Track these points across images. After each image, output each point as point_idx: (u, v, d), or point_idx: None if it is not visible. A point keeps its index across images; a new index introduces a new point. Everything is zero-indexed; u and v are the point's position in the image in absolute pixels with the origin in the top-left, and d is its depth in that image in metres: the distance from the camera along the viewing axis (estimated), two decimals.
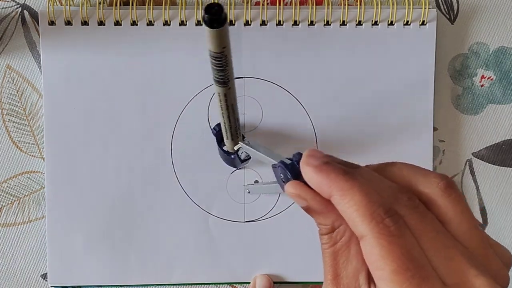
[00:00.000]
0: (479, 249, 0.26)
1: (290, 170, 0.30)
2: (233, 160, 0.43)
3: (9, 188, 0.46)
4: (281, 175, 0.31)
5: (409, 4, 0.44)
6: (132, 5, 0.44)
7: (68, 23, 0.44)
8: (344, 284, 0.27)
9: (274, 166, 0.33)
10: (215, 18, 0.29)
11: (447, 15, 0.46)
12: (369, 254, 0.25)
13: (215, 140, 0.44)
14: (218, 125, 0.42)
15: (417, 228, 0.25)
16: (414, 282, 0.24)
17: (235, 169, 0.46)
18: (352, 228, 0.25)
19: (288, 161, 0.30)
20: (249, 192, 0.46)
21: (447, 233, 0.26)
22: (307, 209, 0.28)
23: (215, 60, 0.32)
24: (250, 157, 0.43)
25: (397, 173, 0.27)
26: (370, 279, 0.26)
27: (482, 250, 0.26)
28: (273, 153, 0.38)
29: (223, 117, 0.38)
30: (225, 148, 0.43)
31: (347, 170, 0.27)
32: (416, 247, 0.25)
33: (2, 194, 0.46)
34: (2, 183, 0.46)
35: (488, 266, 0.25)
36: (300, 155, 0.29)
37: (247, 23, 0.45)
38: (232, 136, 0.40)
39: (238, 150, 0.42)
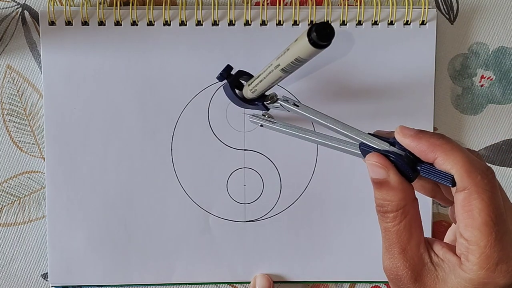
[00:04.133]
0: None
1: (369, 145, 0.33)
2: (245, 103, 0.41)
3: (9, 188, 0.46)
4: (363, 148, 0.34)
5: (409, 4, 0.45)
6: (132, 5, 0.44)
7: (69, 23, 0.44)
8: (410, 255, 0.31)
9: (364, 146, 0.35)
10: (325, 39, 0.30)
11: (447, 15, 0.47)
12: (466, 204, 0.29)
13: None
14: (226, 68, 0.41)
15: (501, 190, 0.30)
16: (498, 235, 0.28)
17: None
18: (458, 184, 0.29)
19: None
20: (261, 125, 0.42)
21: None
22: (382, 183, 0.31)
23: (297, 62, 0.33)
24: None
25: None
26: (428, 247, 0.31)
27: None
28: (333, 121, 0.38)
29: (272, 73, 0.36)
30: (242, 93, 0.41)
31: (441, 135, 0.31)
32: (503, 206, 0.29)
33: (3, 194, 0.46)
34: (3, 183, 0.46)
35: None
36: (392, 139, 0.33)
37: (247, 23, 0.45)
38: (260, 90, 0.39)
39: (266, 98, 0.40)
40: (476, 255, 0.29)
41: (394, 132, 0.32)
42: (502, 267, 0.28)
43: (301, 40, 0.31)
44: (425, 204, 0.46)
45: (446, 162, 0.30)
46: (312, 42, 0.30)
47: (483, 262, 0.28)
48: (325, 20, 0.45)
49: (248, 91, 0.40)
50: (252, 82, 0.39)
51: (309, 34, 0.30)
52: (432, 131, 0.46)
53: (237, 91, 0.42)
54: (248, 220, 0.46)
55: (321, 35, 0.29)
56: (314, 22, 0.45)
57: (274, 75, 0.36)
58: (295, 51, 0.32)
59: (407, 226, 0.31)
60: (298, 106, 0.39)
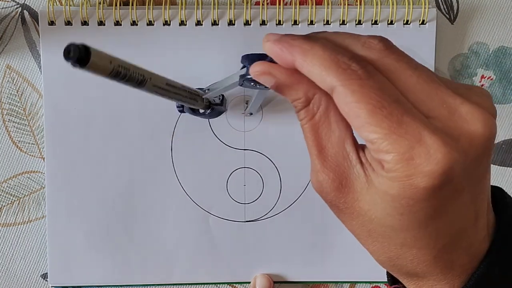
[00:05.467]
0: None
1: (252, 58, 0.30)
2: (216, 111, 0.43)
3: (9, 188, 0.46)
4: (247, 65, 0.31)
5: (409, 4, 0.44)
6: (132, 5, 0.44)
7: (68, 23, 0.44)
8: (331, 155, 0.26)
9: (242, 63, 0.34)
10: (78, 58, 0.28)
11: (447, 15, 0.46)
12: (343, 105, 0.23)
13: (191, 115, 0.44)
14: (178, 104, 0.43)
15: (392, 68, 0.24)
16: (393, 119, 0.22)
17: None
18: (322, 85, 0.24)
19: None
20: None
21: (427, 69, 0.25)
22: (277, 87, 0.27)
23: (116, 80, 0.31)
24: (223, 96, 0.43)
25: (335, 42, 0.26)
26: (356, 145, 0.26)
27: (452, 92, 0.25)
28: (230, 77, 0.38)
29: (176, 96, 0.36)
30: (201, 110, 0.43)
31: (307, 35, 0.26)
32: (389, 86, 0.24)
33: (2, 194, 0.46)
34: (2, 183, 0.46)
35: (470, 96, 0.25)
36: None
37: (247, 23, 0.45)
38: (195, 99, 0.39)
39: (209, 102, 0.41)
40: (381, 149, 0.23)
41: None
42: (420, 156, 0.22)
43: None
44: None
45: (304, 64, 0.24)
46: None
47: (394, 155, 0.23)
48: (325, 20, 0.45)
49: (194, 106, 0.40)
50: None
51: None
52: None
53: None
54: (248, 220, 0.46)
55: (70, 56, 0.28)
56: (314, 22, 0.45)
57: (155, 93, 0.36)
58: None
59: (323, 120, 0.26)
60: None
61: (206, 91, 0.41)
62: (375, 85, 0.23)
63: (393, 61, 0.24)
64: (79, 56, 0.27)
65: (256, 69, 0.26)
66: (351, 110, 0.23)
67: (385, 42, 0.25)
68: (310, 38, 0.25)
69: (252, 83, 0.36)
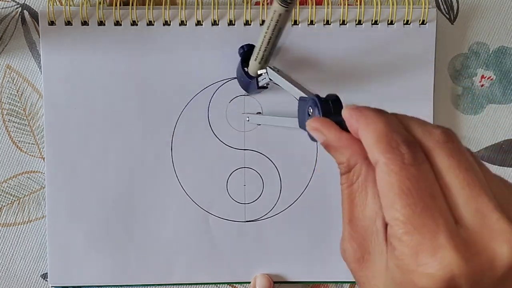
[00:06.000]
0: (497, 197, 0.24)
1: (322, 106, 0.30)
2: (250, 84, 0.43)
3: (9, 188, 0.46)
4: (310, 108, 0.32)
5: (409, 4, 0.44)
6: (132, 5, 0.44)
7: (68, 23, 0.44)
8: (360, 227, 0.26)
9: (302, 99, 0.33)
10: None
11: (447, 15, 0.46)
12: (379, 180, 0.24)
13: (240, 60, 0.43)
14: (248, 45, 0.43)
15: (444, 163, 0.24)
16: (416, 210, 0.22)
17: (248, 94, 0.45)
18: (370, 156, 0.24)
19: (322, 98, 0.31)
20: (248, 120, 0.45)
21: (478, 171, 0.24)
22: (326, 145, 0.28)
23: (278, 22, 0.35)
24: (267, 86, 0.42)
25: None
26: (387, 225, 0.25)
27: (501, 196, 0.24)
28: (299, 86, 0.37)
29: (264, 37, 0.38)
30: (248, 69, 0.42)
31: (379, 109, 0.26)
32: (431, 178, 0.23)
33: (2, 194, 0.46)
34: (2, 183, 0.46)
35: (509, 211, 0.23)
36: (334, 95, 0.30)
37: (247, 23, 0.45)
38: (262, 59, 0.40)
39: (260, 75, 0.41)
40: (396, 234, 0.23)
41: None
42: (427, 256, 0.22)
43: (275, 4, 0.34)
44: None
45: (363, 133, 0.25)
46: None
47: (404, 244, 0.22)
48: (325, 20, 0.45)
49: (253, 62, 0.40)
50: (254, 51, 0.40)
51: None
52: None
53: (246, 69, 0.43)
54: (248, 220, 0.46)
55: None
56: (314, 22, 0.45)
57: (273, 14, 0.36)
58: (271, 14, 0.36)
59: (360, 190, 0.26)
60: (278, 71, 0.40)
61: (276, 69, 0.40)
62: (415, 173, 0.23)
63: (445, 156, 0.24)
64: None
65: (313, 124, 0.28)
66: (383, 187, 0.23)
67: (446, 134, 0.25)
68: (380, 112, 0.26)
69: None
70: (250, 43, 0.43)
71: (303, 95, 0.35)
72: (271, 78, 0.40)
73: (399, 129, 0.25)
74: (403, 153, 0.24)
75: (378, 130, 0.25)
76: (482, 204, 0.23)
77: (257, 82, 0.42)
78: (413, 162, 0.23)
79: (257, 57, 0.40)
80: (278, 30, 0.37)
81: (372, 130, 0.25)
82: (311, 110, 0.32)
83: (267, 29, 0.37)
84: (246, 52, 0.43)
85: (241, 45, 0.43)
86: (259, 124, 0.45)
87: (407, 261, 0.22)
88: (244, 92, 0.45)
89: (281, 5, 0.35)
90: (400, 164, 0.23)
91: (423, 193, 0.23)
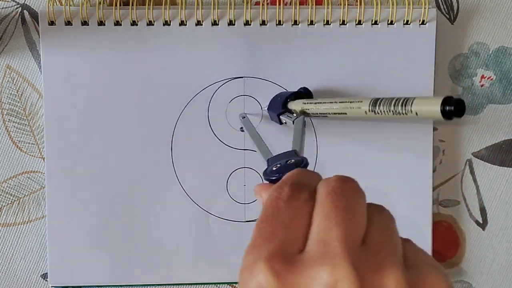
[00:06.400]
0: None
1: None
2: (276, 111, 0.44)
3: (9, 188, 0.46)
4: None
5: (409, 4, 0.44)
6: (132, 5, 0.44)
7: (68, 23, 0.44)
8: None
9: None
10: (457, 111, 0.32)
11: (447, 15, 0.46)
12: None
13: (292, 93, 0.44)
14: (306, 89, 0.45)
15: (320, 199, 0.26)
16: (260, 235, 0.26)
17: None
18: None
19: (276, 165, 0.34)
20: (241, 129, 0.46)
21: (352, 211, 0.26)
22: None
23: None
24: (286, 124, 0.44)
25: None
26: None
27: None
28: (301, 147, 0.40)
29: (331, 110, 0.40)
30: (290, 105, 0.43)
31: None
32: (296, 215, 0.26)
33: (2, 194, 0.46)
34: (2, 183, 0.46)
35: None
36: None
37: (247, 23, 0.45)
38: (309, 113, 0.42)
39: (293, 116, 0.43)
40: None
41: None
42: (245, 274, 0.26)
43: (430, 106, 0.33)
44: (425, 204, 0.46)
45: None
46: (445, 113, 0.32)
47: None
48: (325, 20, 0.45)
49: (301, 104, 0.42)
50: (312, 102, 0.42)
51: (444, 105, 0.32)
52: (432, 131, 0.46)
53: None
54: (248, 220, 0.46)
55: (456, 109, 0.31)
56: (314, 22, 0.45)
57: (333, 112, 0.39)
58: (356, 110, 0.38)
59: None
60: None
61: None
62: (282, 206, 0.26)
63: (324, 194, 0.26)
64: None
65: (255, 189, 0.32)
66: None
67: (338, 179, 0.27)
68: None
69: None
70: (308, 88, 0.44)
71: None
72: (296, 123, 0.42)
73: (301, 178, 0.28)
74: (283, 191, 0.27)
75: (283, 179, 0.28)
76: (331, 236, 0.24)
77: (281, 118, 0.44)
78: (286, 199, 0.26)
79: (308, 109, 0.41)
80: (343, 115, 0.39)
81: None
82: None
83: (340, 113, 0.39)
84: (300, 94, 0.44)
85: (302, 87, 0.44)
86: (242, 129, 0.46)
87: (240, 276, 0.26)
88: (244, 92, 0.45)
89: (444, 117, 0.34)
90: (274, 198, 0.26)
91: (277, 221, 0.26)
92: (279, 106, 0.43)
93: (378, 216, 0.27)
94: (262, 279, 0.24)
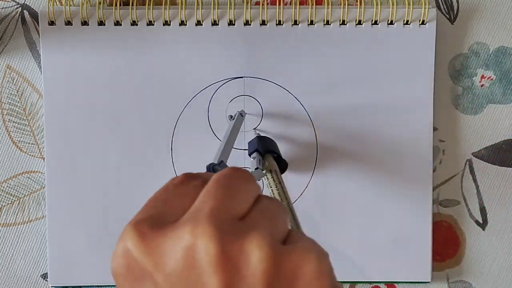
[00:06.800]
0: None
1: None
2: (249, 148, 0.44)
3: (9, 188, 0.46)
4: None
5: (409, 4, 0.44)
6: (132, 5, 0.44)
7: (68, 23, 0.44)
8: None
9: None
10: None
11: (447, 15, 0.46)
12: None
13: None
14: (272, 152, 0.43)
15: (210, 185, 0.27)
16: (146, 210, 0.28)
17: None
18: None
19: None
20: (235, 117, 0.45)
21: (229, 187, 0.27)
22: None
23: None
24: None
25: None
26: None
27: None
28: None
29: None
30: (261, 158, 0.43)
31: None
32: (181, 195, 0.27)
33: (2, 194, 0.46)
34: (2, 183, 0.46)
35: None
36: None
37: (247, 23, 0.45)
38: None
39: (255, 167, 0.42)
40: None
41: None
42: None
43: None
44: (425, 204, 0.46)
45: None
46: None
47: None
48: (325, 20, 0.45)
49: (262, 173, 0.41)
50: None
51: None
52: (432, 131, 0.46)
53: None
54: None
55: None
56: (314, 22, 0.45)
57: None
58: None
59: None
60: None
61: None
62: (170, 187, 0.29)
63: (214, 177, 0.27)
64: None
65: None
66: None
67: (228, 169, 0.28)
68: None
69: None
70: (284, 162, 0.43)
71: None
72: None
73: (199, 173, 0.30)
74: (176, 178, 0.29)
75: None
76: (203, 206, 0.25)
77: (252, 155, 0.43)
78: (176, 183, 0.28)
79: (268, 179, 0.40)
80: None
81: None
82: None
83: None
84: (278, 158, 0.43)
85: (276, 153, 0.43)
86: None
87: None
88: (244, 92, 0.45)
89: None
90: (166, 184, 0.29)
91: (159, 199, 0.28)
92: (259, 149, 0.42)
93: (265, 201, 0.27)
94: (128, 242, 0.25)
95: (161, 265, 0.24)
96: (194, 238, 0.23)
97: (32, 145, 0.46)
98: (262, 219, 0.25)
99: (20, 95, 0.46)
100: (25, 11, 0.46)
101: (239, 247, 0.23)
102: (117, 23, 0.44)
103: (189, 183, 0.28)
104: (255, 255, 0.23)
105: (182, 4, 0.45)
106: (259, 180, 0.39)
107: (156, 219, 0.26)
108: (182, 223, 0.24)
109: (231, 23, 0.45)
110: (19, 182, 0.46)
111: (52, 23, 0.44)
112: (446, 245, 0.48)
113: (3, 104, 0.46)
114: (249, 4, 0.45)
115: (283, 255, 0.24)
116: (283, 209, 0.27)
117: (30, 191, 0.47)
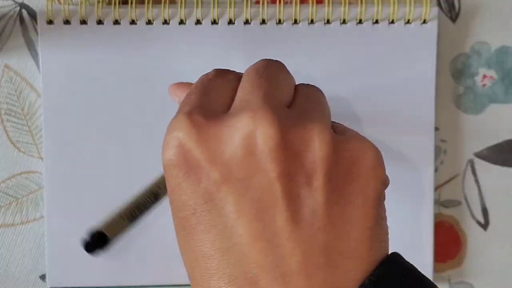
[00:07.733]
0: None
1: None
2: None
3: (7, 188, 0.46)
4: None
5: (410, 3, 0.44)
6: (131, 4, 0.44)
7: (67, 22, 0.44)
8: None
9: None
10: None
11: (449, 14, 0.46)
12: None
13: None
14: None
15: (251, 75, 0.27)
16: (190, 98, 0.27)
17: None
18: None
19: None
20: None
21: (272, 79, 0.27)
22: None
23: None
24: None
25: None
26: None
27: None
28: None
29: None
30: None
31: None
32: (220, 86, 0.27)
33: (0, 194, 0.46)
34: (0, 183, 0.46)
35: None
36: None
37: (246, 22, 0.45)
38: None
39: None
40: None
41: None
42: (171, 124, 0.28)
43: None
44: (426, 205, 0.46)
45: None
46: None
47: None
48: (326, 19, 0.45)
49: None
50: None
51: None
52: (433, 131, 0.46)
53: None
54: None
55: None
56: (314, 21, 0.45)
57: None
58: None
59: None
60: None
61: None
62: (206, 78, 0.28)
63: (250, 68, 0.28)
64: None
65: (169, 89, 0.35)
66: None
67: (264, 60, 0.29)
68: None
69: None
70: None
71: None
72: None
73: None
74: (209, 73, 0.28)
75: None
76: (253, 95, 0.25)
77: None
78: (211, 77, 0.28)
79: None
80: None
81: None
82: None
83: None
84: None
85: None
86: None
87: (162, 146, 0.28)
88: None
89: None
90: (200, 79, 0.28)
91: (201, 91, 0.27)
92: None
93: (306, 88, 0.27)
94: (181, 133, 0.25)
95: (218, 156, 0.24)
96: (254, 124, 0.23)
97: (31, 145, 0.46)
98: (312, 107, 0.25)
99: (18, 95, 0.46)
100: (23, 10, 0.45)
101: (298, 134, 0.23)
102: (116, 22, 0.44)
103: (224, 77, 0.27)
104: (315, 142, 0.23)
105: (181, 3, 0.44)
106: None
107: (207, 109, 0.25)
108: (237, 111, 0.24)
109: (231, 22, 0.45)
110: (17, 183, 0.46)
111: (50, 22, 0.44)
112: (448, 246, 0.48)
113: (1, 103, 0.46)
114: (249, 3, 0.45)
115: (342, 144, 0.24)
116: (323, 93, 0.28)
117: (29, 191, 0.46)
